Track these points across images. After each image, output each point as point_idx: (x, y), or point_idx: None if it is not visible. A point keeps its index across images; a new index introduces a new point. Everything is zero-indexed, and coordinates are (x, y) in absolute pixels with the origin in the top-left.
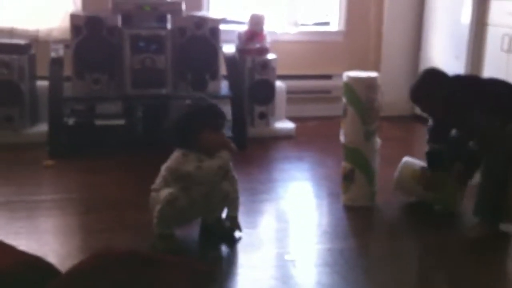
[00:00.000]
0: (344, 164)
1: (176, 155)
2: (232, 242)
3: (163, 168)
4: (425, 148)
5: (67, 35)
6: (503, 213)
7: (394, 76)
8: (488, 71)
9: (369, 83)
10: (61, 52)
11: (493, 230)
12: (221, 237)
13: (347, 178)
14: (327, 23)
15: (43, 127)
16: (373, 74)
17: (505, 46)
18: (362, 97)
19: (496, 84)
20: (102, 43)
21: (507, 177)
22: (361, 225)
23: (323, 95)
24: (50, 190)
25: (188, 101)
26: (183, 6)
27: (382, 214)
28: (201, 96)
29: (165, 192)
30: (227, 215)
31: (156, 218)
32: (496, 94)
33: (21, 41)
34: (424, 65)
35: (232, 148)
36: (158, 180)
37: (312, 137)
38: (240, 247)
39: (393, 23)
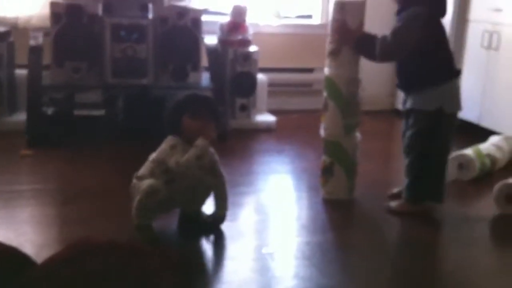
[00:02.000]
0: (324, 158)
1: (164, 146)
2: (211, 232)
3: (151, 159)
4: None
5: (47, 22)
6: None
7: (375, 71)
8: (468, 67)
9: (351, 78)
10: (40, 40)
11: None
12: (201, 228)
13: (327, 172)
14: (309, 16)
15: (21, 116)
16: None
17: (485, 43)
18: (343, 91)
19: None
20: (83, 31)
21: (428, 154)
22: (340, 218)
23: (305, 89)
24: (28, 180)
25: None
26: None
27: (361, 208)
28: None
29: (145, 183)
30: (215, 213)
31: (135, 209)
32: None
33: (0, 29)
34: None
35: (208, 135)
36: (143, 169)
37: (293, 130)
38: (219, 239)
39: (375, 17)
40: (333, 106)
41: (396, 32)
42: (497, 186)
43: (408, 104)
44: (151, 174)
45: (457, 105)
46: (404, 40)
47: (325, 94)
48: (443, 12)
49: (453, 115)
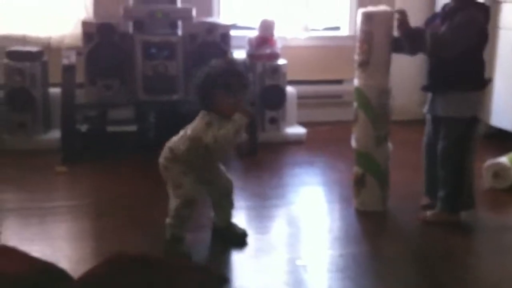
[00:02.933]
0: (356, 169)
1: (199, 124)
2: (243, 245)
3: (187, 134)
4: None
5: (79, 42)
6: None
7: (404, 80)
8: (500, 74)
9: (381, 88)
10: (73, 59)
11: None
12: (233, 241)
13: (359, 183)
14: (337, 28)
15: (56, 134)
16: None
17: None
18: (373, 102)
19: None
20: (114, 49)
21: (464, 163)
22: (373, 230)
23: (334, 100)
24: (63, 196)
25: (214, 61)
26: (194, 13)
27: (394, 219)
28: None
29: (182, 193)
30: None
31: (171, 219)
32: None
33: (34, 48)
34: None
35: (247, 111)
36: (179, 142)
37: (323, 142)
38: (251, 252)
39: None
40: (364, 117)
41: (455, 29)
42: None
43: (439, 112)
44: (188, 151)
45: (483, 113)
46: (461, 39)
47: (355, 105)
48: (489, 19)
49: (481, 122)
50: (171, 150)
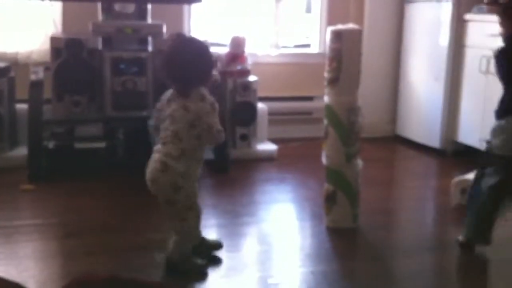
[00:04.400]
0: (327, 186)
1: (205, 105)
2: (218, 262)
3: (209, 106)
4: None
5: (47, 57)
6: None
7: (374, 97)
8: (467, 92)
9: (350, 105)
10: (40, 74)
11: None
12: (210, 258)
13: (330, 200)
14: (307, 45)
15: (22, 151)
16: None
17: (483, 68)
18: (343, 119)
19: None
20: (82, 65)
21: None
22: (344, 247)
23: (305, 117)
24: (29, 215)
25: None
26: (164, 29)
27: (365, 236)
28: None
29: (197, 209)
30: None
31: (191, 229)
32: None
33: (1, 64)
34: (403, 87)
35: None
36: (183, 135)
37: (294, 158)
38: (222, 271)
39: (372, 45)
40: (334, 134)
41: None
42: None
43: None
44: (196, 138)
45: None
46: None
47: (325, 122)
48: None
49: None
50: (183, 150)
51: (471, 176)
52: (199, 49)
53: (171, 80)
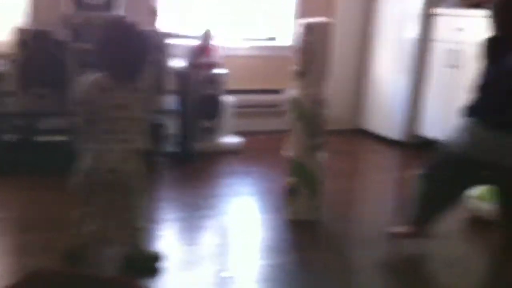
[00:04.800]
0: (289, 179)
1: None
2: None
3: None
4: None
5: (14, 49)
6: None
7: (340, 90)
8: (433, 86)
9: (317, 98)
10: (1, 66)
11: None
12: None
13: (292, 192)
14: (273, 39)
15: None
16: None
17: (450, 61)
18: (308, 111)
19: None
20: (49, 57)
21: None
22: (304, 239)
23: (272, 110)
24: None
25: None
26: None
27: (326, 228)
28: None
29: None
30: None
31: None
32: None
33: None
34: (370, 81)
35: None
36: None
37: (260, 151)
38: (178, 264)
39: (340, 38)
40: (299, 126)
41: None
42: None
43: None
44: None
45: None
46: None
47: (291, 114)
48: None
49: None
50: (142, 134)
51: None
52: (131, 34)
53: (113, 67)
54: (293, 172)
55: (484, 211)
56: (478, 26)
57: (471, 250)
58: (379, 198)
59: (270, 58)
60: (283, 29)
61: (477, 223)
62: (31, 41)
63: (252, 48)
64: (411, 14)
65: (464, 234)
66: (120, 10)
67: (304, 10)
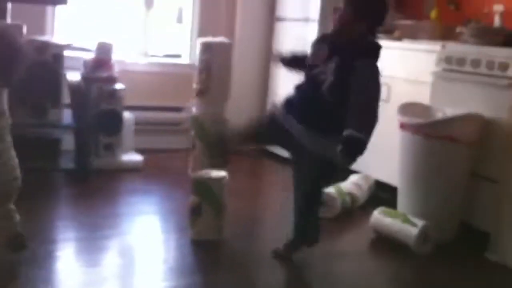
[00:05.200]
0: (192, 198)
1: None
2: None
3: None
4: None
5: None
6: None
7: (243, 108)
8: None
9: (218, 117)
10: None
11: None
12: None
13: (195, 212)
14: (178, 56)
15: None
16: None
17: None
18: (210, 130)
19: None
20: None
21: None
22: (208, 259)
23: (173, 127)
24: None
25: None
26: (25, 30)
27: (230, 247)
28: None
29: None
30: None
31: None
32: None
33: None
34: (272, 97)
35: None
36: None
37: (161, 170)
38: (78, 286)
39: (242, 57)
40: (200, 145)
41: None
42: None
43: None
44: None
45: None
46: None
47: (192, 133)
48: None
49: None
50: None
51: (331, 190)
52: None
53: None
54: (195, 191)
55: (385, 226)
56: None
57: (376, 268)
58: (281, 215)
59: (172, 75)
60: (187, 46)
61: (382, 241)
62: None
63: (153, 64)
64: (309, 39)
65: (369, 252)
66: (11, 18)
67: (206, 28)
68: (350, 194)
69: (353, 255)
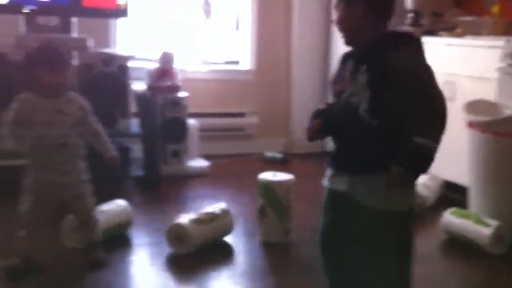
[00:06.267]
0: (259, 201)
1: (21, 107)
2: None
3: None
4: None
5: None
6: None
7: (304, 112)
8: None
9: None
10: None
11: None
12: None
13: (260, 214)
14: (236, 62)
15: None
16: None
17: None
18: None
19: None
20: (5, 78)
21: None
22: (277, 262)
23: (236, 133)
24: None
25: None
26: (89, 43)
27: (298, 250)
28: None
29: None
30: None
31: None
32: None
33: None
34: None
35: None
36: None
37: (226, 174)
38: None
39: (301, 60)
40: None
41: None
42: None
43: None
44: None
45: None
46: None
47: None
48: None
49: None
50: None
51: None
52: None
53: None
54: (260, 194)
55: (457, 227)
56: None
57: (448, 270)
58: None
59: (232, 82)
60: (246, 53)
61: (453, 243)
62: None
63: (213, 71)
64: None
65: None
66: (74, 32)
67: (264, 34)
68: (419, 195)
69: (424, 257)
